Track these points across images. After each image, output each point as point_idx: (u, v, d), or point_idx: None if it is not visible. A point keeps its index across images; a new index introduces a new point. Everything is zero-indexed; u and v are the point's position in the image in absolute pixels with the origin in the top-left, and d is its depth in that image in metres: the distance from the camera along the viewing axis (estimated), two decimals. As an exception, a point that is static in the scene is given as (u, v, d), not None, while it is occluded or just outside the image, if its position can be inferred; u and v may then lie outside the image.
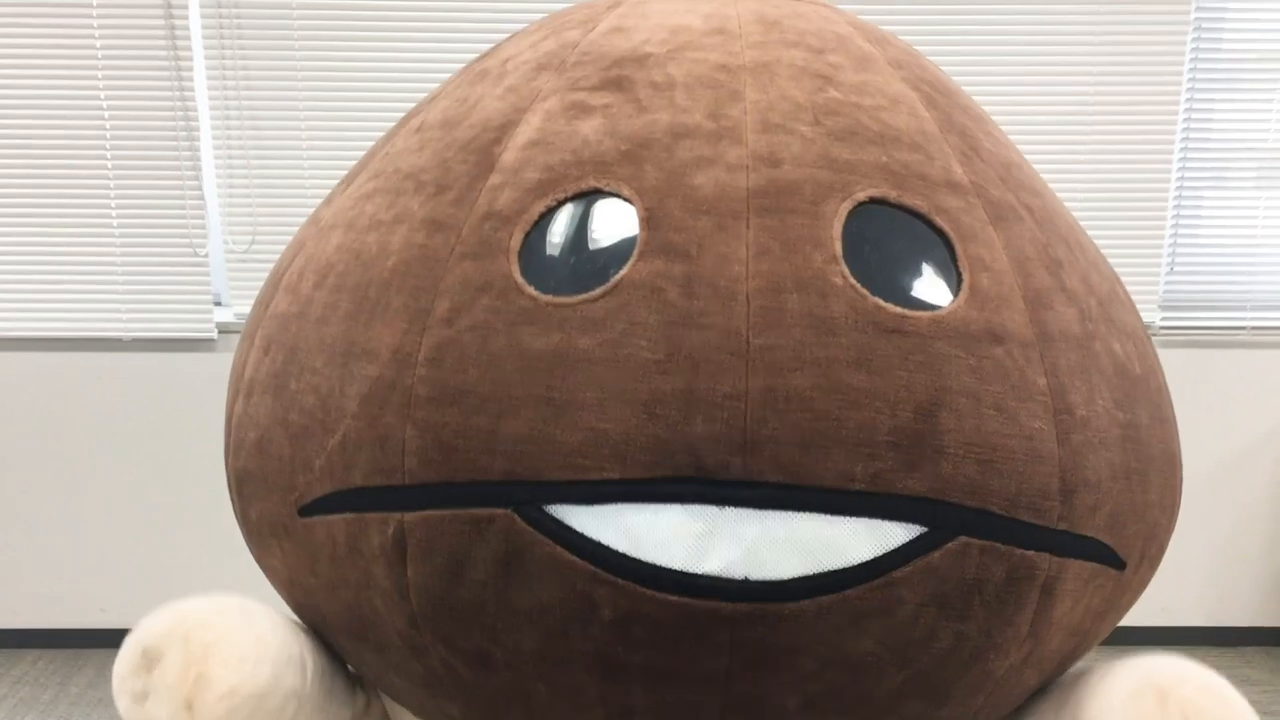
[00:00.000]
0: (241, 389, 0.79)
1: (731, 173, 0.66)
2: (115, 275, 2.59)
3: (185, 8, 2.48)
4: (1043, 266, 0.72)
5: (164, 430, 2.62)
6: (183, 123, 2.52)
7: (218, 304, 2.64)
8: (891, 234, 0.68)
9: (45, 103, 2.50)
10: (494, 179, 0.70)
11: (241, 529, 0.81)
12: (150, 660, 0.67)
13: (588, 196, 0.67)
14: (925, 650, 0.66)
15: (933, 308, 0.65)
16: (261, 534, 0.78)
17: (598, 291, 0.63)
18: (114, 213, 2.56)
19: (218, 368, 2.72)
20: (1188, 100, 2.57)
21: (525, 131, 0.71)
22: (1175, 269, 2.66)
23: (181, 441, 2.59)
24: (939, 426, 0.63)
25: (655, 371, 0.61)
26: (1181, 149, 2.60)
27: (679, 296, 0.63)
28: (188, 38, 2.50)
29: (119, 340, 2.62)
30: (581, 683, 0.68)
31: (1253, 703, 2.40)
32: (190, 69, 2.50)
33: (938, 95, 0.77)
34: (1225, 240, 2.67)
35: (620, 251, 0.65)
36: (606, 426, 0.61)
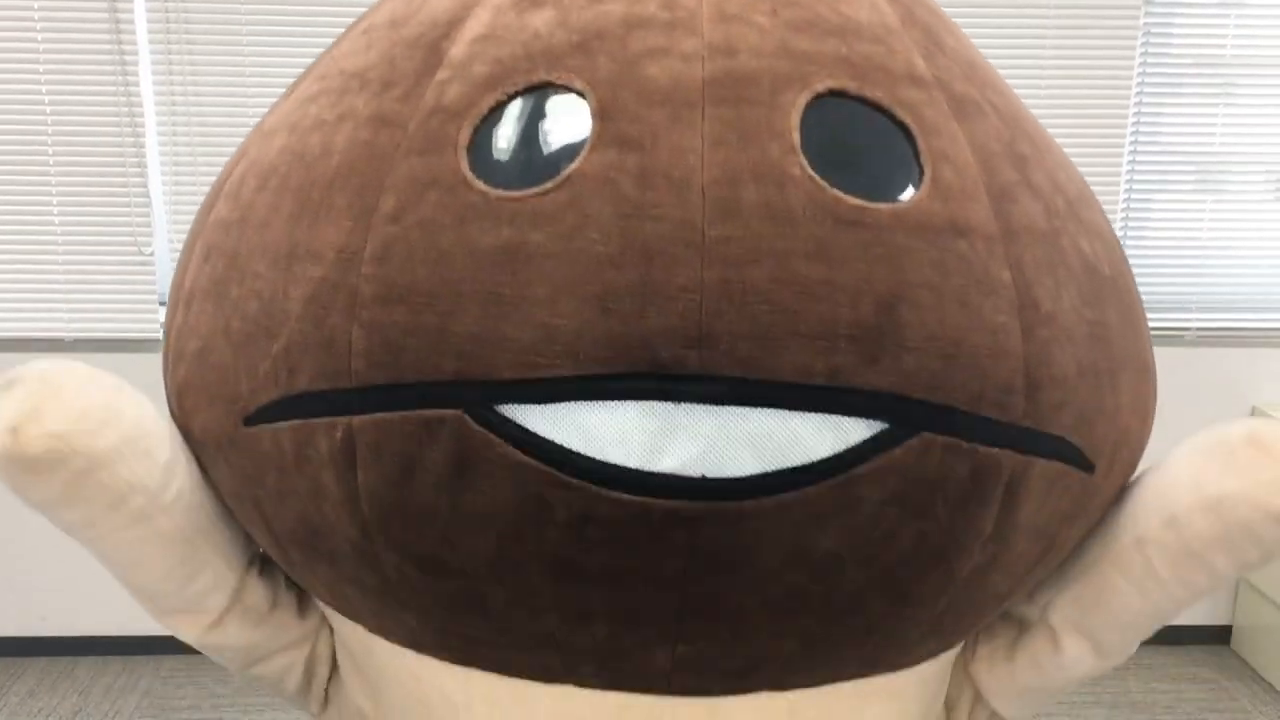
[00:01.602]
0: (181, 299, 0.77)
1: (687, 63, 0.65)
2: (57, 274, 2.53)
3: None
4: (1007, 161, 0.70)
5: (107, 432, 2.57)
6: (127, 116, 2.47)
7: (163, 304, 2.58)
8: (851, 126, 0.67)
9: (-18, 95, 2.45)
10: (442, 74, 0.68)
11: (184, 441, 0.78)
12: (9, 384, 0.66)
13: (539, 89, 0.66)
14: (887, 549, 0.66)
15: (893, 200, 0.64)
16: (205, 446, 0.75)
17: (549, 185, 0.62)
18: (55, 209, 2.50)
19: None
20: (1136, 106, 2.61)
21: (474, 26, 0.69)
22: (1124, 271, 2.71)
23: (125, 444, 2.53)
24: (900, 320, 0.61)
25: (608, 265, 0.60)
26: (1130, 154, 2.63)
27: (632, 188, 0.61)
28: (132, 28, 2.44)
29: (60, 341, 2.56)
30: (537, 586, 0.67)
31: (1200, 700, 2.46)
32: (135, 61, 2.45)
33: None
34: (1171, 243, 2.71)
35: (572, 145, 0.63)
36: (559, 322, 0.60)
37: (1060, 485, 0.71)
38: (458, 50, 0.69)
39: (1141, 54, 2.57)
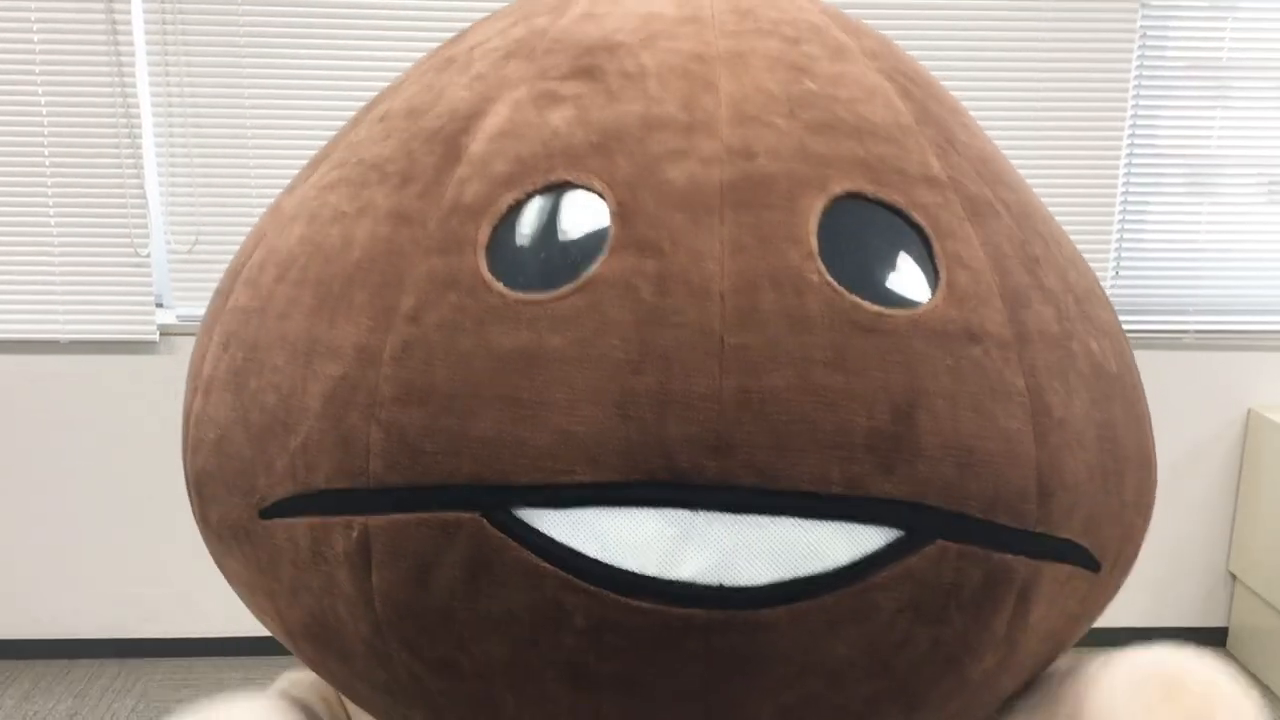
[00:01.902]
0: (200, 386, 0.76)
1: (705, 166, 0.65)
2: (54, 275, 2.53)
3: (127, 0, 2.43)
4: (1020, 264, 0.70)
5: (103, 435, 2.57)
6: (123, 119, 2.47)
7: (160, 305, 2.58)
8: (868, 229, 0.66)
9: (-21, 97, 2.45)
10: (461, 170, 0.68)
11: (201, 531, 0.78)
12: None
13: (558, 189, 0.65)
14: (901, 655, 0.65)
15: (910, 305, 0.64)
16: (222, 536, 0.75)
17: (568, 288, 0.61)
18: (52, 211, 2.50)
19: (159, 371, 2.70)
20: (1133, 109, 2.62)
21: (494, 121, 0.69)
22: (1120, 274, 2.71)
23: (121, 447, 2.54)
24: (916, 428, 0.61)
25: (627, 371, 0.59)
26: (1127, 157, 2.64)
27: (652, 294, 0.61)
28: (129, 31, 2.44)
29: (57, 342, 2.56)
30: (552, 692, 0.66)
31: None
32: (132, 63, 2.45)
33: (913, 87, 0.76)
34: (1169, 246, 2.72)
35: (591, 246, 0.63)
36: (577, 428, 0.59)
37: (1069, 587, 0.71)
38: (477, 146, 0.69)
39: (1138, 56, 2.58)
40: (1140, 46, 2.57)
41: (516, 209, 0.65)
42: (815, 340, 0.60)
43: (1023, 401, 0.65)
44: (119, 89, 2.46)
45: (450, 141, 0.70)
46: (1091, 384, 0.71)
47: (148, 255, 2.52)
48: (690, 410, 0.59)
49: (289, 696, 0.81)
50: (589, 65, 0.71)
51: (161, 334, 2.55)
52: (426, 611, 0.65)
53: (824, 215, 0.64)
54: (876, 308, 0.62)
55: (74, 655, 2.66)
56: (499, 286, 0.62)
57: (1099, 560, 0.72)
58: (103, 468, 2.58)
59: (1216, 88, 2.63)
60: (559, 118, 0.68)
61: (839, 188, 0.65)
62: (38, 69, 2.44)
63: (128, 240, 2.51)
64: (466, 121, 0.70)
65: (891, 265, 0.66)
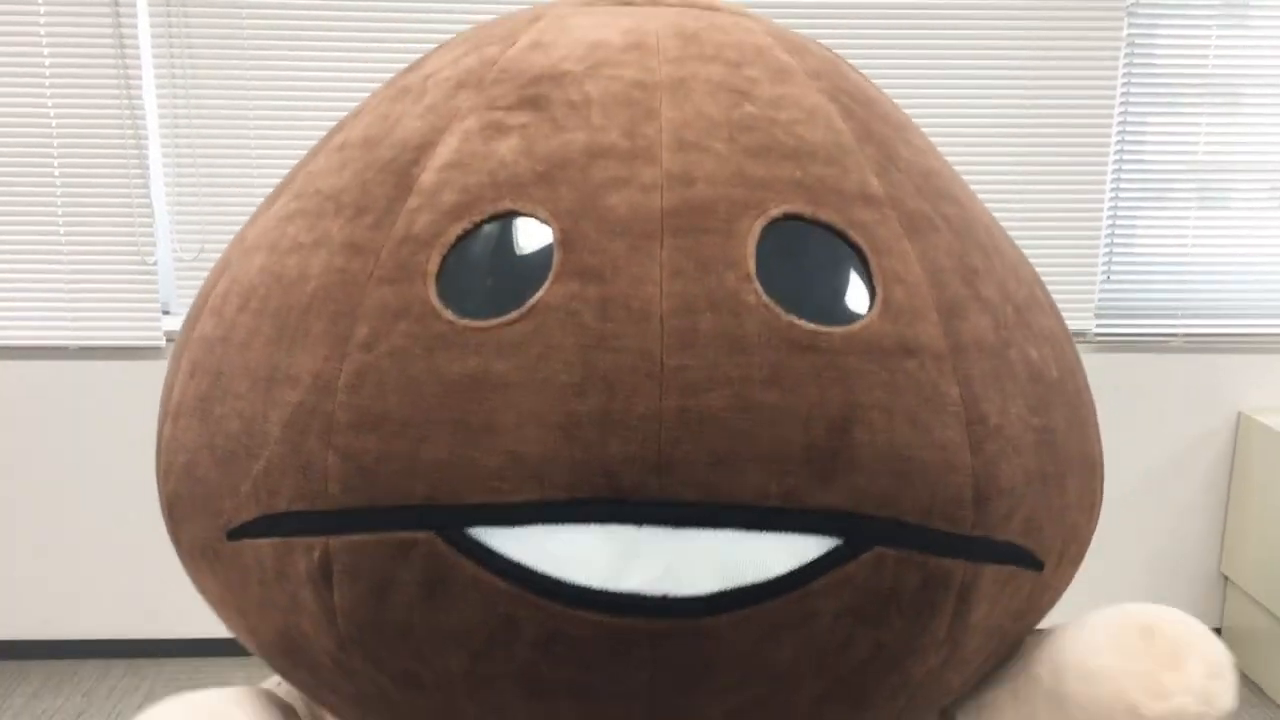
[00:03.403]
0: (170, 411, 0.79)
1: (646, 193, 0.67)
2: (62, 283, 2.56)
3: (134, 13, 2.47)
4: (957, 276, 0.72)
5: (110, 440, 2.60)
6: (130, 128, 2.51)
7: (166, 312, 2.62)
8: (806, 250, 0.69)
9: (-10, 108, 2.49)
10: (412, 201, 0.70)
11: (175, 550, 0.81)
12: None
13: (504, 218, 0.68)
14: (843, 659, 0.68)
15: (846, 322, 0.66)
16: (193, 556, 0.78)
17: (514, 315, 0.64)
18: (60, 220, 2.54)
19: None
20: (1121, 113, 2.64)
21: (443, 153, 0.71)
22: (1111, 278, 2.73)
23: (127, 451, 2.55)
24: (852, 441, 0.63)
25: (571, 394, 0.62)
26: (1116, 162, 2.67)
27: (594, 319, 0.63)
28: (135, 42, 2.48)
29: (65, 349, 2.59)
30: (508, 700, 0.68)
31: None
32: (138, 75, 2.49)
33: (856, 106, 0.77)
34: (1159, 251, 2.74)
35: (537, 273, 0.65)
36: (524, 449, 0.62)
37: (1011, 586, 0.73)
38: (427, 177, 0.70)
39: (1125, 63, 2.61)
40: (1128, 53, 2.60)
41: (465, 238, 0.67)
42: (752, 360, 0.62)
43: (957, 411, 0.67)
44: (126, 100, 2.50)
45: (402, 173, 0.72)
46: (1029, 390, 0.73)
47: (154, 263, 2.55)
48: (632, 430, 0.61)
49: (269, 693, 0.83)
50: (535, 95, 0.72)
51: (168, 340, 2.58)
52: (386, 626, 0.67)
53: (762, 237, 0.66)
54: (813, 326, 0.64)
55: (82, 655, 2.69)
56: (448, 314, 0.65)
57: (1041, 559, 0.74)
58: (109, 472, 2.61)
59: (1204, 92, 2.65)
60: (505, 148, 0.70)
61: (776, 210, 0.67)
62: (47, 81, 2.48)
63: (134, 248, 2.55)
64: (417, 153, 0.72)
65: (828, 284, 0.68)
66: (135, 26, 2.48)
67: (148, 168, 2.52)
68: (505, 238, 0.68)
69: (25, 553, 2.67)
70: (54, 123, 2.50)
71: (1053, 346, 0.78)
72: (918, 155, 0.78)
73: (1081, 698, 0.73)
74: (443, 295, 0.66)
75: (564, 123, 0.70)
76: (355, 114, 0.83)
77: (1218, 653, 0.71)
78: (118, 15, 2.46)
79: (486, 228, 0.67)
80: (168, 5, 2.46)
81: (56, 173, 2.52)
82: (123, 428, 2.57)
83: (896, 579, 0.66)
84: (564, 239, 0.65)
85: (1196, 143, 2.68)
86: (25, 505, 2.67)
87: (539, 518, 0.63)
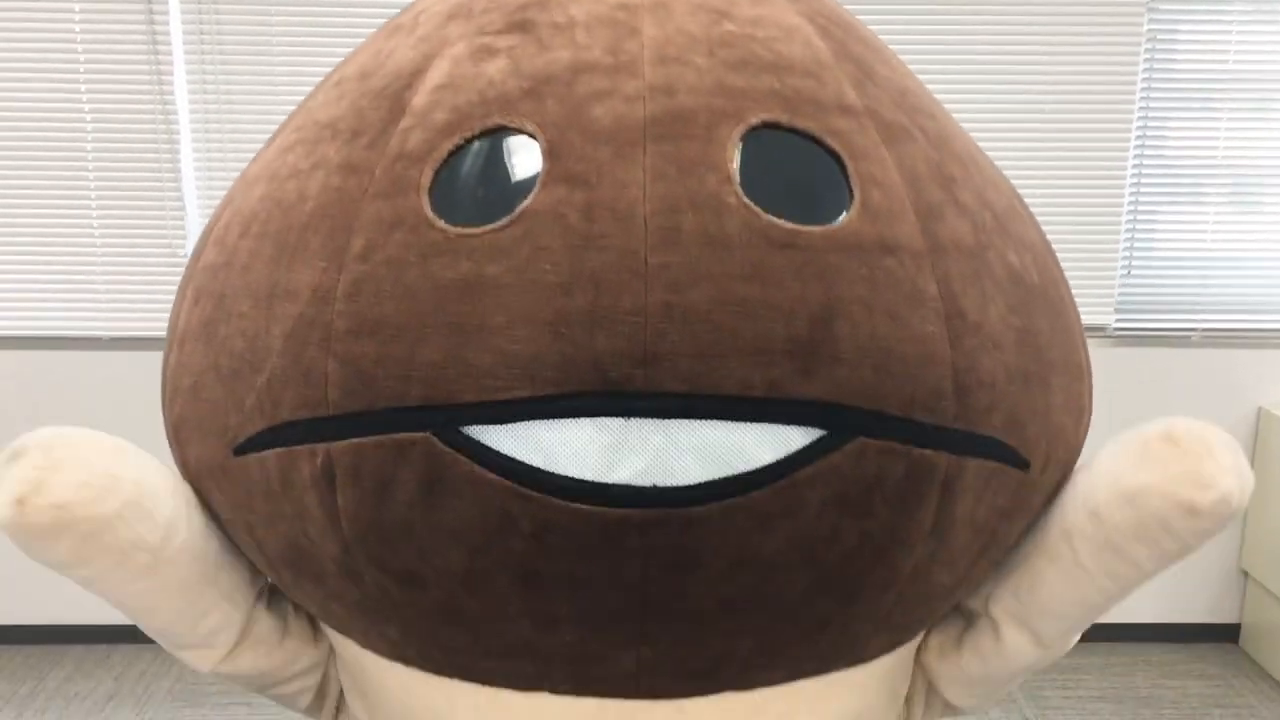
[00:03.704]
0: (175, 340, 0.82)
1: (629, 103, 0.69)
2: (95, 275, 2.62)
3: (166, 12, 2.52)
4: (934, 182, 0.73)
5: (141, 428, 2.64)
6: (163, 124, 2.56)
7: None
8: (785, 156, 0.70)
9: (27, 103, 2.54)
10: (405, 122, 0.72)
11: (181, 475, 0.83)
12: (14, 454, 0.71)
13: (494, 133, 0.70)
14: (831, 548, 0.69)
15: (826, 223, 0.67)
16: (200, 476, 0.80)
17: (504, 221, 0.66)
18: (94, 213, 2.59)
19: None
20: (1142, 107, 2.64)
21: (434, 76, 0.74)
22: (1131, 273, 2.73)
23: (158, 440, 2.61)
24: (833, 334, 0.65)
25: (559, 293, 0.64)
26: (1136, 156, 2.67)
27: (580, 221, 0.65)
28: (168, 40, 2.53)
29: (98, 339, 2.65)
30: (507, 594, 0.71)
31: (1206, 695, 2.50)
32: (170, 70, 2.54)
33: (833, 27, 0.79)
34: (1179, 247, 2.74)
35: (525, 183, 0.67)
36: (515, 348, 0.64)
37: (996, 482, 0.74)
38: (419, 99, 0.73)
39: (1146, 58, 2.61)
40: (1148, 49, 2.60)
41: (456, 153, 0.70)
42: (734, 257, 0.64)
43: (936, 306, 0.69)
44: (158, 96, 2.55)
45: (395, 98, 0.74)
46: (1009, 291, 0.74)
47: (185, 255, 2.60)
48: (618, 325, 0.63)
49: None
50: (522, 20, 0.75)
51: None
52: (388, 526, 0.69)
53: (742, 144, 0.68)
54: (793, 225, 0.66)
55: (113, 640, 2.75)
56: (440, 223, 0.67)
57: (1026, 458, 0.75)
58: (141, 459, 2.67)
59: (1225, 87, 2.64)
60: (494, 68, 0.72)
61: (755, 118, 0.69)
62: (81, 78, 2.53)
63: (166, 241, 2.60)
64: (410, 79, 0.75)
65: (808, 187, 0.71)
66: (168, 24, 2.53)
67: (179, 163, 2.57)
68: (495, 151, 0.70)
69: (59, 539, 2.73)
70: (88, 119, 2.55)
71: (1034, 255, 0.79)
72: (895, 74, 0.80)
73: (1131, 523, 0.74)
74: (436, 207, 0.68)
75: (549, 43, 0.72)
76: (351, 55, 0.86)
77: (1227, 435, 0.74)
78: (150, 14, 2.52)
79: (477, 143, 0.70)
80: (199, 3, 2.51)
81: (90, 167, 2.57)
82: (154, 416, 2.62)
83: (880, 468, 0.68)
84: (550, 149, 0.67)
85: (1217, 138, 2.67)
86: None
87: (531, 414, 0.65)
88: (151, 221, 2.60)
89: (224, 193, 2.77)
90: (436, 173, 0.69)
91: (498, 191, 0.69)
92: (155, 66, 2.54)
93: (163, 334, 2.84)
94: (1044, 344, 0.76)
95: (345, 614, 0.80)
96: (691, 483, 0.66)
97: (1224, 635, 2.85)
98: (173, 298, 2.77)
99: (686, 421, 0.65)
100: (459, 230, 0.67)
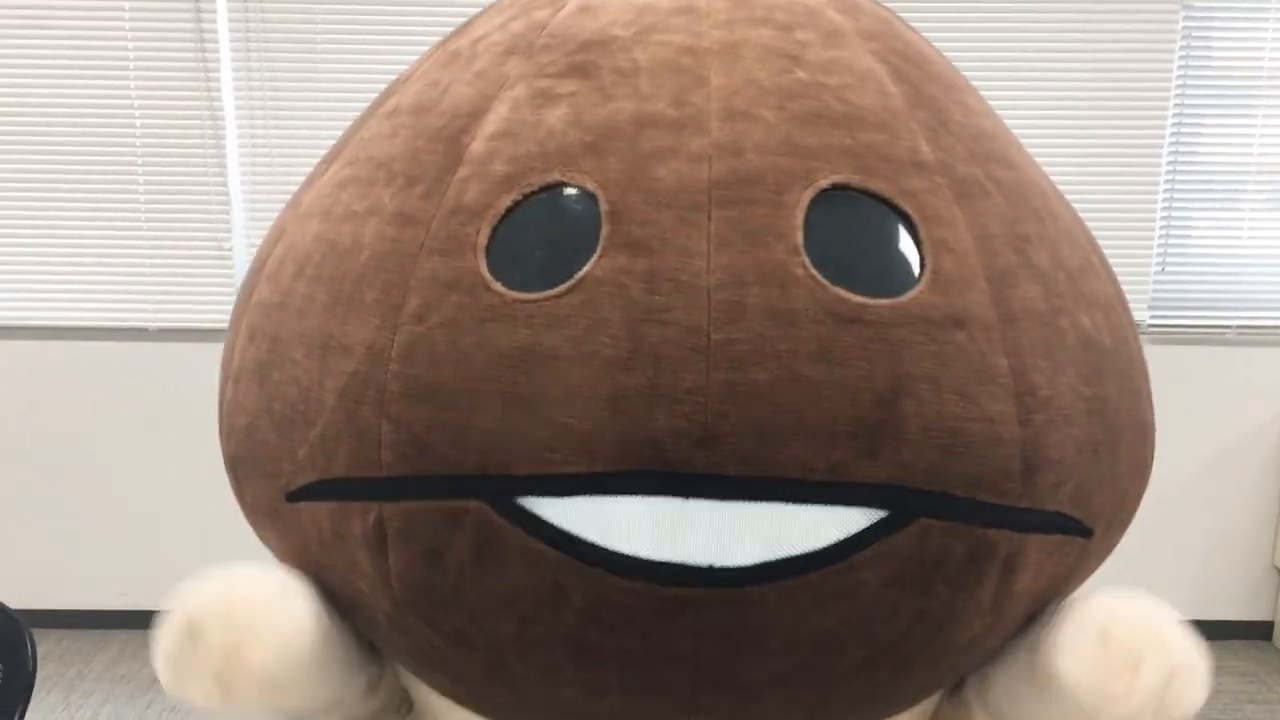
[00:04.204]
0: (230, 375, 0.80)
1: (693, 164, 0.66)
2: (143, 267, 2.68)
3: (214, 12, 2.58)
4: (1008, 244, 0.71)
5: (186, 417, 2.69)
6: (209, 121, 2.61)
7: (240, 297, 2.73)
8: (854, 220, 0.68)
9: (78, 101, 2.60)
10: (462, 171, 0.70)
11: (240, 507, 0.83)
12: (193, 634, 0.67)
13: (553, 189, 0.67)
14: (887, 627, 0.68)
15: (895, 294, 0.65)
16: (256, 514, 0.80)
17: (563, 288, 0.64)
18: (143, 207, 2.65)
19: None
20: (1177, 105, 2.64)
21: (493, 121, 0.71)
22: (1166, 269, 2.73)
23: (203, 429, 2.64)
24: (899, 413, 0.63)
25: (619, 367, 0.62)
26: (1171, 153, 2.67)
27: (641, 292, 0.63)
28: (215, 40, 2.59)
29: (145, 330, 2.71)
30: (557, 663, 0.69)
31: (1239, 691, 2.49)
32: (217, 69, 2.60)
33: (908, 67, 0.76)
34: (1213, 243, 2.73)
35: (585, 245, 0.65)
36: (572, 421, 0.62)
37: (1059, 554, 0.72)
38: (477, 146, 0.70)
39: (1180, 56, 2.61)
40: (1183, 47, 2.61)
41: (514, 210, 0.67)
42: (799, 333, 0.62)
43: (1006, 382, 0.66)
44: (205, 94, 2.60)
45: (452, 141, 0.72)
46: (1080, 359, 0.71)
47: (230, 249, 2.66)
48: (678, 404, 0.61)
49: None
50: (583, 62, 0.72)
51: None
52: (438, 589, 0.68)
53: (810, 208, 0.65)
54: (860, 298, 0.63)
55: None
56: (497, 286, 0.65)
57: (1090, 527, 0.73)
58: (188, 449, 2.72)
59: (1260, 87, 2.64)
60: (554, 117, 0.69)
61: (825, 180, 0.66)
62: (131, 77, 2.60)
63: (212, 235, 2.66)
64: (467, 120, 0.72)
65: (877, 254, 0.68)
66: (215, 25, 2.59)
67: (225, 159, 2.63)
68: (554, 209, 0.68)
69: (105, 528, 2.79)
70: (138, 116, 2.61)
71: (1106, 313, 0.76)
72: (970, 117, 0.77)
73: (1049, 693, 0.72)
74: (492, 267, 0.66)
75: (612, 91, 0.70)
76: (405, 78, 0.84)
77: (1177, 654, 0.68)
78: (198, 14, 2.58)
79: (535, 199, 0.68)
80: (245, 4, 2.57)
81: (139, 164, 2.63)
82: (199, 405, 2.66)
83: (942, 549, 0.65)
84: (612, 210, 0.65)
85: (1252, 137, 2.67)
86: (105, 479, 2.79)
87: (587, 489, 0.63)
88: (197, 217, 2.66)
89: (266, 189, 2.82)
90: (494, 229, 0.67)
91: (556, 252, 0.67)
92: (203, 65, 2.59)
93: (207, 325, 2.89)
94: (1112, 411, 0.73)
95: (399, 657, 0.81)
96: (749, 563, 0.64)
97: (1258, 633, 2.85)
98: (216, 291, 2.81)
99: (745, 503, 0.63)
100: (516, 295, 0.65)
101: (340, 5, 2.57)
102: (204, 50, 2.59)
